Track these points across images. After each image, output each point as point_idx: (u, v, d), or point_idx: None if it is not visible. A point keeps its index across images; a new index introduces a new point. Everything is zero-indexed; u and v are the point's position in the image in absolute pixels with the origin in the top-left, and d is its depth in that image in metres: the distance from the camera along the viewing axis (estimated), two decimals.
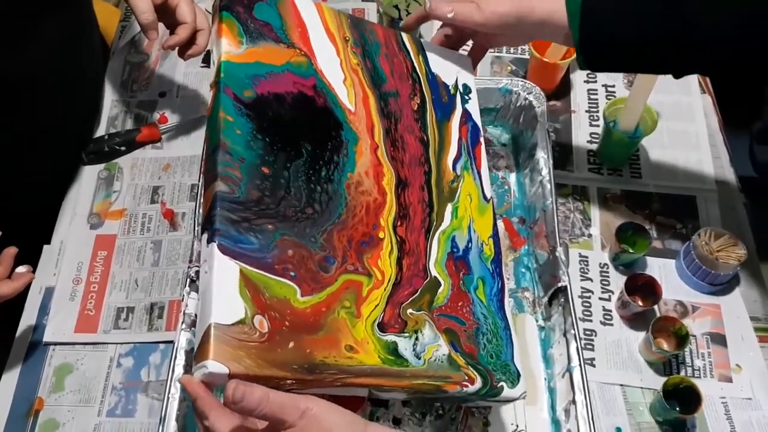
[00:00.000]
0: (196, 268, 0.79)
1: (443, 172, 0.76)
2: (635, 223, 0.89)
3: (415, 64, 0.80)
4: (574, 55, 1.00)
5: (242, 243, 0.59)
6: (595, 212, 0.96)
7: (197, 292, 0.78)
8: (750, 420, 0.81)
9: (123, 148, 1.01)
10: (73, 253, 0.93)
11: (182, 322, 0.76)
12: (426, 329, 0.67)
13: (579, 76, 1.10)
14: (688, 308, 0.88)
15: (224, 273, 0.57)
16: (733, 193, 0.98)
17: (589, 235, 0.94)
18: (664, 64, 0.74)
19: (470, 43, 0.86)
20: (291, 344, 0.57)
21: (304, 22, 0.74)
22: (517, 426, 0.80)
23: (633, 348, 0.85)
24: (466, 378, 0.66)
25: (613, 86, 1.08)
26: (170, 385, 0.72)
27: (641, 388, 0.83)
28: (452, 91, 0.82)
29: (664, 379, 0.79)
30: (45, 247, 0.93)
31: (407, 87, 0.79)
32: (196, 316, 0.75)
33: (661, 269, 0.91)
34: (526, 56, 1.11)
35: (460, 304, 0.70)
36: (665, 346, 0.83)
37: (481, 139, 0.81)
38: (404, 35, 0.82)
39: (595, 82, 1.09)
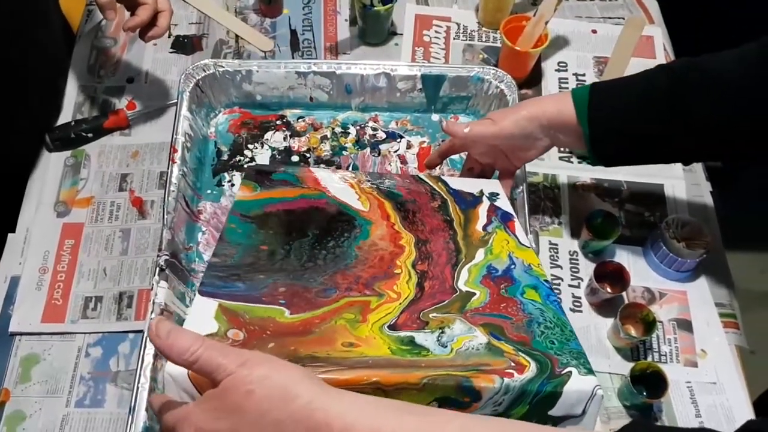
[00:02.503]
0: (166, 257, 0.78)
1: (471, 235, 0.73)
2: (605, 211, 0.90)
3: (435, 187, 0.81)
4: (546, 44, 1.01)
5: (226, 287, 0.59)
6: (565, 200, 0.97)
7: (166, 281, 0.77)
8: (714, 404, 0.83)
9: (90, 135, 0.99)
10: (39, 241, 0.91)
11: (151, 312, 0.75)
12: (456, 324, 0.58)
13: (550, 65, 1.10)
14: (656, 295, 0.90)
15: (201, 306, 0.57)
16: (700, 181, 1.00)
17: (559, 223, 0.95)
18: (673, 155, 0.77)
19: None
20: (271, 344, 0.53)
21: (319, 177, 0.79)
22: None
23: (601, 334, 0.87)
24: (513, 365, 0.53)
25: (584, 75, 1.09)
26: (140, 375, 0.71)
27: (609, 373, 0.84)
28: (477, 194, 0.81)
29: (631, 364, 0.81)
30: (9, 235, 0.91)
31: (426, 197, 0.79)
32: (165, 305, 0.75)
33: (630, 256, 0.92)
34: (498, 44, 1.11)
35: (503, 305, 0.62)
36: (633, 332, 0.84)
37: (514, 219, 0.78)
38: (421, 175, 0.86)
39: (566, 71, 1.10)
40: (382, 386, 0.49)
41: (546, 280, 0.69)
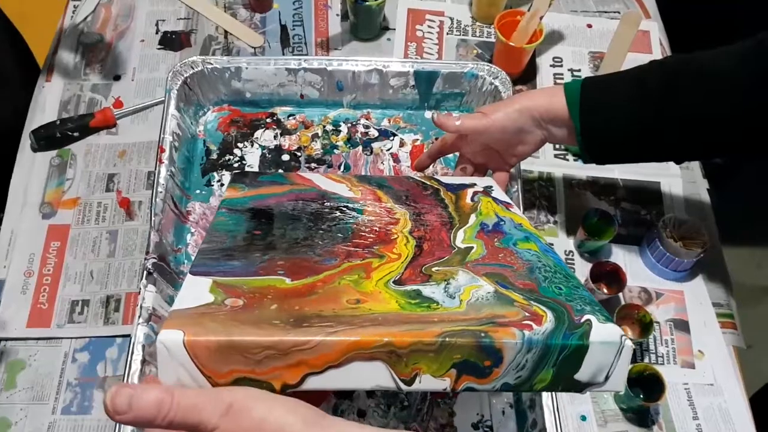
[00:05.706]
0: (153, 260, 0.76)
1: (462, 207, 0.73)
2: (601, 210, 0.89)
3: (427, 183, 0.80)
4: (541, 39, 0.99)
5: (220, 266, 0.56)
6: (560, 199, 0.96)
7: (154, 285, 0.75)
8: (711, 405, 0.82)
9: (76, 134, 0.97)
10: (24, 243, 0.89)
11: (139, 316, 0.73)
12: (460, 275, 0.56)
13: (545, 60, 1.09)
14: (652, 295, 0.89)
15: (193, 283, 0.53)
16: (696, 179, 0.99)
17: (555, 222, 0.94)
18: (666, 153, 0.75)
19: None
20: (273, 306, 0.49)
21: (309, 177, 0.79)
22: (482, 416, 0.79)
23: None
24: (527, 315, 0.49)
25: (579, 70, 1.08)
26: (128, 381, 0.69)
27: None
28: (468, 184, 0.79)
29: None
30: None
31: (418, 189, 0.78)
32: (154, 309, 0.74)
33: (626, 256, 0.91)
34: (492, 40, 1.10)
35: (500, 255, 0.61)
36: (630, 333, 0.83)
37: (512, 206, 0.74)
38: (412, 174, 0.85)
39: (561, 66, 1.08)
40: (397, 349, 0.46)
41: (547, 244, 0.65)
